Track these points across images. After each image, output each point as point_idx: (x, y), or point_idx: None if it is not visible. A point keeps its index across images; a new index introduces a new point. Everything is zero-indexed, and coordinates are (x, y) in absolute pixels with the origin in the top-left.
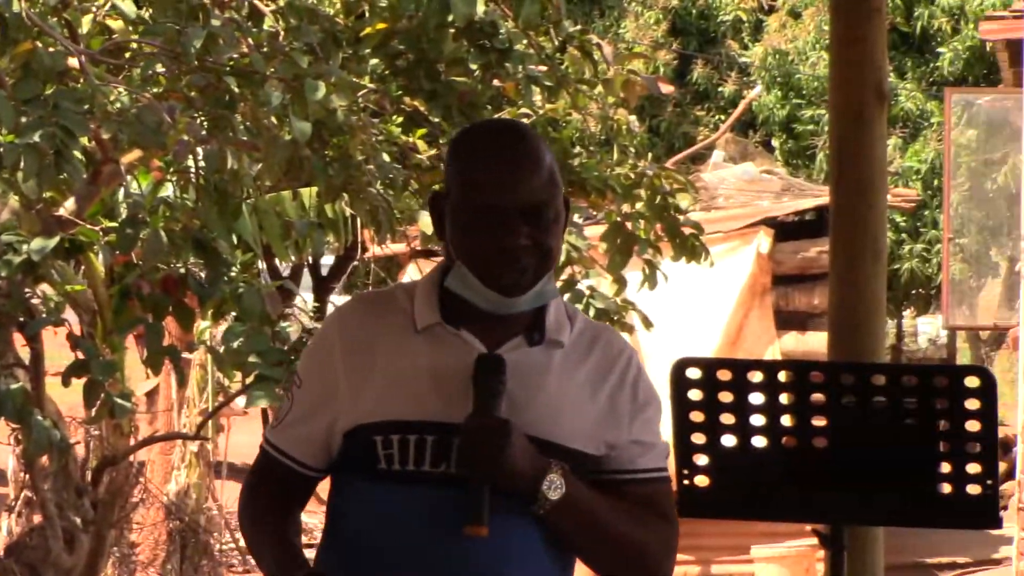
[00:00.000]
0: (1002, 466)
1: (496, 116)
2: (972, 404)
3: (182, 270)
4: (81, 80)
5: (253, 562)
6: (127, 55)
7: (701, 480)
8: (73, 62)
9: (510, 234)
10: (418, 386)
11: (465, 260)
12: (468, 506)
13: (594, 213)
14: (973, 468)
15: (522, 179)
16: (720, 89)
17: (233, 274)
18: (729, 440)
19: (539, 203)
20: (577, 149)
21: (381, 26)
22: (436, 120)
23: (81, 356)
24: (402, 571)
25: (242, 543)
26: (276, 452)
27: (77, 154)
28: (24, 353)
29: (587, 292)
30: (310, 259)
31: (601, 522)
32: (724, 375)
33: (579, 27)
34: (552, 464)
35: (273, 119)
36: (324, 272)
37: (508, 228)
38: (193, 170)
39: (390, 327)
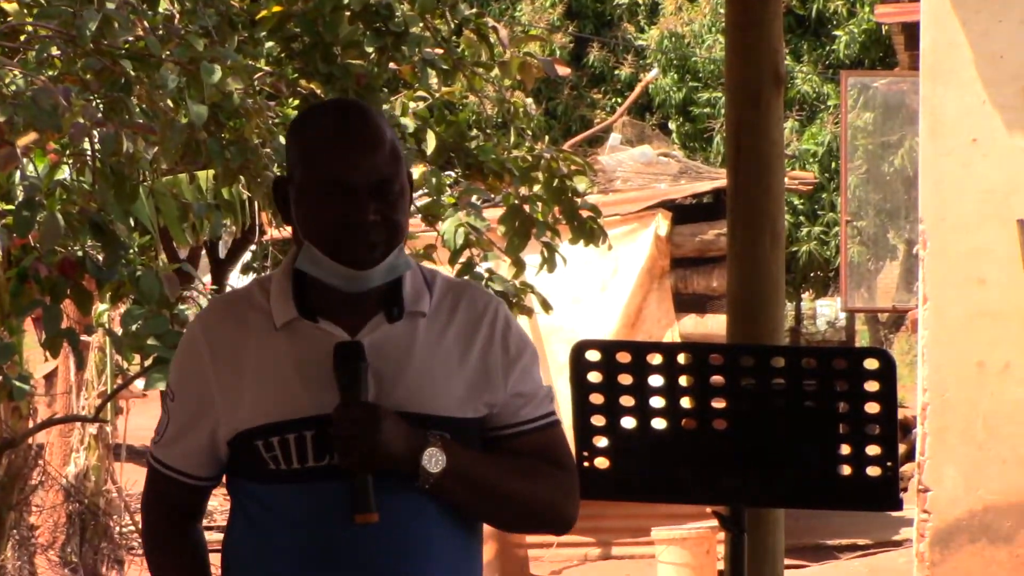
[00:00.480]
0: (902, 448)
1: (392, 98)
2: (872, 386)
3: (80, 253)
4: None
5: None
6: (22, 38)
7: (601, 462)
8: None
9: (358, 210)
10: (287, 384)
11: (314, 239)
12: (354, 496)
13: (492, 196)
14: (873, 450)
15: (366, 155)
16: (616, 72)
17: (131, 257)
18: (629, 422)
19: (384, 178)
20: (474, 132)
21: (277, 9)
22: (330, 99)
23: None
24: (307, 567)
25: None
26: (163, 468)
27: None
28: None
29: (486, 275)
30: (208, 242)
31: (491, 484)
32: (623, 357)
33: (475, 10)
34: (429, 437)
35: (169, 102)
36: (222, 255)
37: (355, 204)
38: (89, 153)
39: (251, 328)
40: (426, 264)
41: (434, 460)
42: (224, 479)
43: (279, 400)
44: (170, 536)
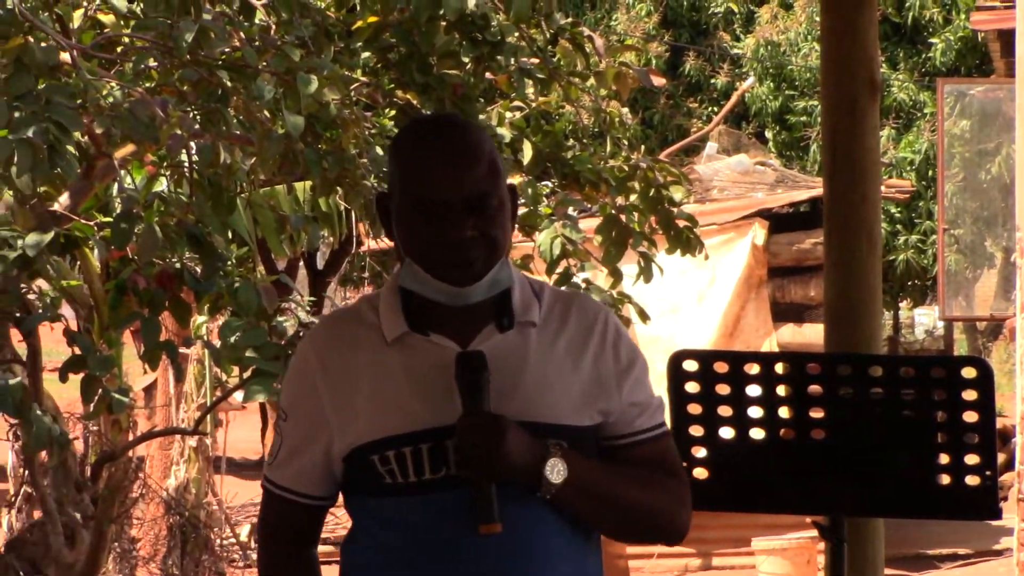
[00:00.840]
0: (1000, 457)
1: (488, 108)
2: (970, 395)
3: (178, 265)
4: (73, 75)
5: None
6: (119, 50)
7: (700, 472)
8: (65, 57)
9: (455, 227)
10: (401, 398)
11: (414, 257)
12: (477, 506)
13: (588, 206)
14: (971, 459)
15: (462, 171)
16: (712, 81)
17: (229, 269)
18: (727, 432)
19: (481, 194)
20: (570, 142)
21: (373, 19)
22: (429, 113)
23: (78, 351)
24: None
25: (242, 537)
26: (278, 489)
27: (71, 149)
28: (21, 349)
29: (583, 285)
30: (305, 253)
31: (610, 493)
32: (721, 367)
33: (570, 19)
34: (551, 447)
35: (266, 113)
36: (320, 266)
37: (453, 221)
38: (187, 164)
39: (362, 344)
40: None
41: (556, 470)
42: (341, 498)
43: (394, 414)
44: (286, 559)
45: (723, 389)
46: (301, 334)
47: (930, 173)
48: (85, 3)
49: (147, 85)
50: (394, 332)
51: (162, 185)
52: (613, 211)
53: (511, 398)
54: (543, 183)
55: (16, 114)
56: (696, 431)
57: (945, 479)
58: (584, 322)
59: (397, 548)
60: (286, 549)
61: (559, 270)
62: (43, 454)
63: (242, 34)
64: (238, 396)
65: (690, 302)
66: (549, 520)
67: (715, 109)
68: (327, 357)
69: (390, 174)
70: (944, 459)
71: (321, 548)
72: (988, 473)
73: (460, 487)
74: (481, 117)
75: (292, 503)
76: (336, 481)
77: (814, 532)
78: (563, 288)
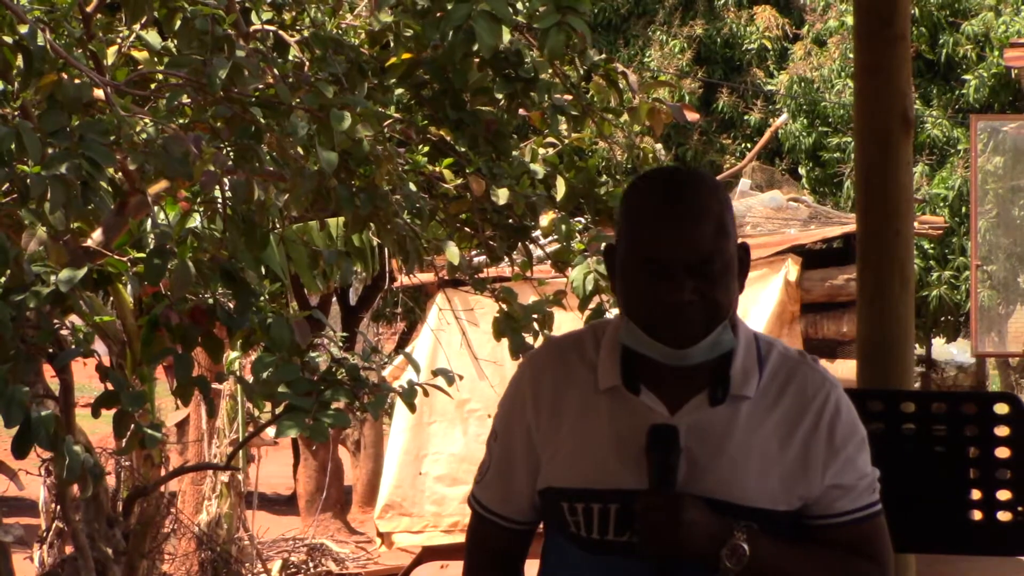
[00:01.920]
0: None
1: (521, 145)
2: (1002, 431)
3: (211, 300)
4: (107, 111)
5: None
6: (152, 86)
7: None
8: (99, 93)
9: (675, 290)
10: (601, 452)
11: (631, 315)
12: None
13: None
14: (1004, 495)
15: (685, 232)
16: (746, 117)
17: (262, 304)
18: None
19: (704, 256)
20: (604, 178)
21: (406, 56)
22: (462, 149)
23: (111, 387)
24: None
25: (274, 573)
26: (483, 511)
27: (104, 185)
28: (54, 384)
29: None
30: (338, 289)
31: None
32: None
33: (604, 56)
34: (735, 530)
35: (299, 149)
36: (353, 302)
37: (672, 283)
38: (220, 201)
39: (576, 382)
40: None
41: (736, 556)
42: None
43: (591, 467)
44: None
45: None
46: (333, 369)
47: (963, 209)
48: (119, 40)
49: (180, 121)
50: (607, 382)
51: (195, 221)
52: None
53: (706, 474)
54: (576, 219)
55: (49, 150)
56: None
57: (977, 515)
58: (802, 398)
59: None
60: (489, 569)
61: (591, 306)
62: (75, 489)
63: (276, 71)
64: (270, 431)
65: None
66: None
67: (748, 145)
68: (541, 386)
69: (617, 226)
70: (976, 495)
71: None
72: (1020, 509)
73: (637, 556)
74: (514, 153)
75: (497, 526)
76: (539, 508)
77: None
78: (793, 355)
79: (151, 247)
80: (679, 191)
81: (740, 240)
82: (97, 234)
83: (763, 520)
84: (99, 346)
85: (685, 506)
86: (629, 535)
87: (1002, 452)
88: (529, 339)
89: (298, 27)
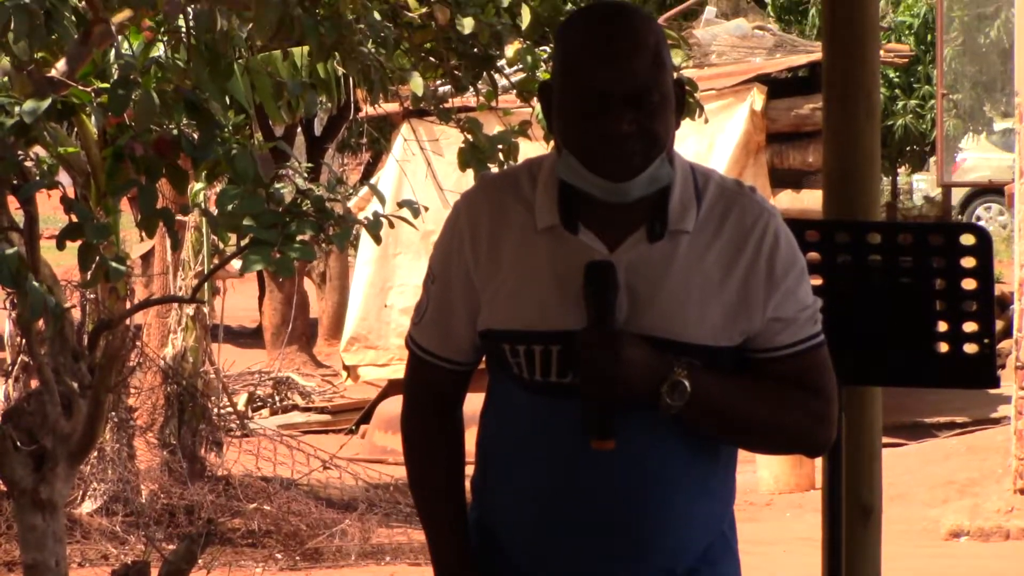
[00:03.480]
0: (999, 324)
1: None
2: (968, 262)
3: (175, 131)
4: None
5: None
6: None
7: None
8: None
9: (613, 120)
10: (541, 293)
11: (571, 148)
12: (588, 421)
13: None
14: (970, 327)
15: (621, 63)
16: None
17: (226, 135)
18: None
19: (641, 87)
20: (569, 6)
21: None
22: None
23: (75, 219)
24: (547, 479)
25: (240, 406)
26: (422, 352)
27: (67, 15)
28: (18, 216)
29: None
30: (303, 120)
31: (737, 414)
32: None
33: None
34: (675, 366)
35: None
36: (318, 132)
37: (610, 114)
38: (184, 30)
39: (513, 222)
40: (699, 166)
41: (676, 392)
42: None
43: (531, 309)
44: (427, 423)
45: None
46: (299, 201)
47: (929, 37)
48: None
49: None
50: (545, 222)
51: (159, 51)
52: None
53: (646, 312)
54: (541, 48)
55: None
56: None
57: (943, 347)
58: (741, 229)
59: (518, 439)
60: (428, 410)
61: None
62: (40, 323)
63: None
64: (235, 264)
65: None
66: (669, 438)
67: None
68: (478, 225)
69: (553, 62)
70: (942, 327)
71: None
72: (986, 341)
73: (580, 397)
74: None
75: (436, 367)
76: (480, 349)
77: None
78: (732, 184)
79: (115, 78)
80: (615, 24)
81: (677, 75)
82: (61, 64)
83: (705, 356)
84: (63, 177)
85: (624, 343)
86: (572, 376)
87: (968, 283)
88: (494, 169)
89: None
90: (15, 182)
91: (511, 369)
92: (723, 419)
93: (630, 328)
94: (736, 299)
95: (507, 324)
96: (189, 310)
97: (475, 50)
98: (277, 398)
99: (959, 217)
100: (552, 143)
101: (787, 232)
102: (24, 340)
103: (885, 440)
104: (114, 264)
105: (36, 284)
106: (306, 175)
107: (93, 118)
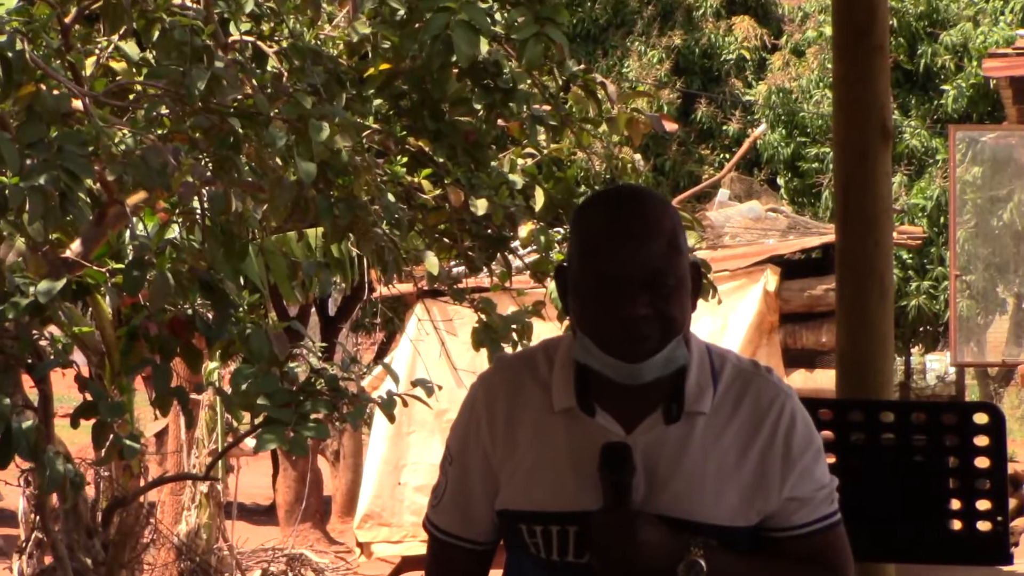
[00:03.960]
0: (1012, 502)
1: (500, 155)
2: (981, 440)
3: (189, 311)
4: (85, 122)
5: None
6: (131, 97)
7: None
8: (77, 104)
9: (628, 304)
10: (558, 474)
11: (586, 330)
12: None
13: None
14: (983, 504)
15: (637, 248)
16: (724, 128)
17: (240, 315)
18: None
19: (657, 271)
20: (583, 188)
21: (384, 67)
22: (441, 160)
23: (90, 397)
24: None
25: None
26: (442, 534)
27: (82, 196)
28: (33, 395)
29: None
30: (317, 300)
31: None
32: None
33: (582, 66)
34: (691, 546)
35: (278, 160)
36: (332, 312)
37: (626, 298)
38: (199, 211)
39: (529, 403)
40: (716, 347)
41: (693, 572)
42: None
43: (547, 490)
44: None
45: None
46: (313, 380)
47: (942, 220)
48: (97, 51)
49: (159, 132)
50: (562, 403)
51: (174, 232)
52: None
53: (662, 493)
54: (555, 230)
55: (28, 161)
56: None
57: (956, 525)
58: (757, 410)
59: None
60: None
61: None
62: (54, 499)
63: (254, 81)
64: (249, 442)
65: None
66: None
67: (727, 156)
68: (495, 407)
69: (569, 245)
70: (955, 504)
71: None
72: (999, 519)
73: None
74: (493, 164)
75: (457, 548)
76: (500, 527)
77: None
78: (748, 366)
79: (130, 258)
80: (631, 208)
81: (693, 258)
82: (76, 245)
83: (722, 537)
84: (78, 357)
85: (639, 524)
86: (589, 557)
87: (982, 462)
88: (508, 349)
89: (277, 38)
90: (30, 361)
91: (528, 549)
92: None
93: (647, 508)
94: (753, 480)
95: (524, 505)
96: (203, 487)
97: (489, 231)
98: (291, 575)
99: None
100: (566, 324)
101: (804, 412)
102: (38, 516)
103: None
104: (128, 442)
105: (53, 456)
106: (320, 354)
107: (108, 298)
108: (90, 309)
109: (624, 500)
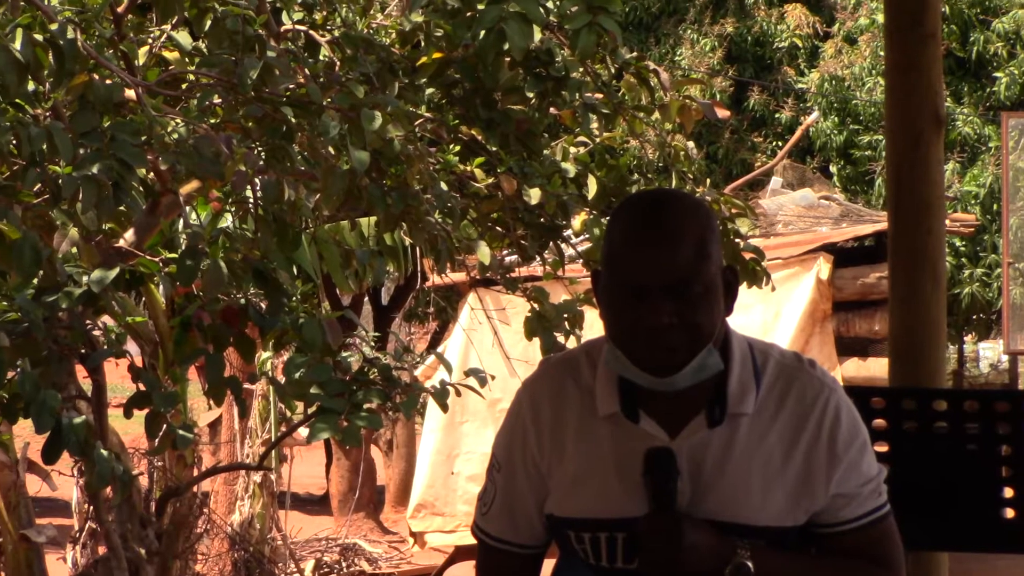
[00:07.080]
0: None
1: (552, 143)
2: None
3: (242, 301)
4: (138, 111)
5: None
6: (184, 86)
7: None
8: (130, 94)
9: (652, 313)
10: (605, 481)
11: (615, 340)
12: None
13: None
14: None
15: (661, 255)
16: (777, 115)
17: (294, 304)
18: None
19: (682, 278)
20: (635, 176)
21: (437, 55)
22: (493, 149)
23: (143, 387)
24: None
25: (307, 573)
26: (493, 540)
27: (135, 185)
28: (86, 385)
29: None
30: (370, 289)
31: None
32: None
33: (635, 54)
34: (738, 548)
35: (331, 149)
36: (385, 301)
37: (649, 307)
38: (252, 201)
39: (573, 408)
40: (757, 342)
41: (741, 574)
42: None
43: (595, 497)
44: None
45: None
46: (366, 369)
47: (995, 207)
48: (150, 40)
49: (212, 121)
50: (606, 409)
51: (227, 221)
52: None
53: (709, 496)
54: (608, 218)
55: (81, 151)
56: None
57: (1009, 513)
58: (801, 408)
59: None
60: None
61: None
62: (108, 489)
63: (307, 71)
64: (302, 432)
65: (755, 336)
66: None
67: (779, 144)
68: (540, 412)
69: (601, 252)
70: (1008, 493)
71: None
72: None
73: None
74: (545, 152)
75: (509, 554)
76: (549, 530)
77: None
78: (790, 360)
79: (183, 247)
80: (657, 214)
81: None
82: (129, 234)
83: (770, 537)
84: (131, 346)
85: (685, 529)
86: (638, 562)
87: None
88: (560, 338)
89: (329, 27)
90: (83, 351)
91: (576, 554)
92: None
93: (693, 512)
94: (799, 479)
95: (570, 512)
96: (256, 477)
97: (541, 220)
98: (344, 565)
99: None
100: None
101: (849, 405)
102: (92, 506)
103: None
104: (181, 432)
105: (103, 452)
106: (373, 344)
107: (161, 288)
108: (143, 299)
109: (669, 505)
